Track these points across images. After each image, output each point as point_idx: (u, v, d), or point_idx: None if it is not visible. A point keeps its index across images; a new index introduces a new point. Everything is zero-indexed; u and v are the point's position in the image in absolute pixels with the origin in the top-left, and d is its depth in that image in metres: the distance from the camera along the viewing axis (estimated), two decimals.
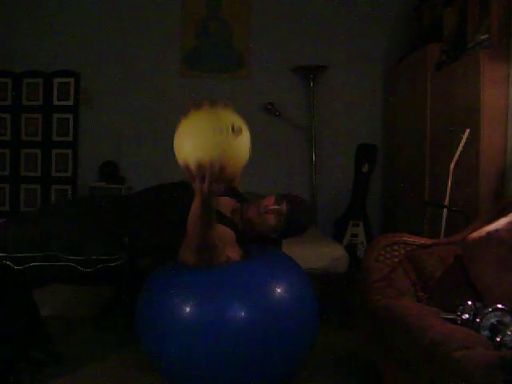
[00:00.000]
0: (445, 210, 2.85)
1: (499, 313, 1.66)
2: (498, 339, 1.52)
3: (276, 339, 1.83)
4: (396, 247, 2.24)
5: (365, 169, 4.10)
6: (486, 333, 1.64)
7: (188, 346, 1.78)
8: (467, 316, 1.73)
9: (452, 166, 2.83)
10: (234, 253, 1.94)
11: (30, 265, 1.83)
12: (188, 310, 1.78)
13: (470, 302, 1.77)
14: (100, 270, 1.87)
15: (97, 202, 2.11)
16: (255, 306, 1.81)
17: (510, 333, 1.51)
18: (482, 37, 2.89)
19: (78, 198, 4.03)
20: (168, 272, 1.94)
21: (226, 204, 2.09)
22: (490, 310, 1.67)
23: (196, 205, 1.74)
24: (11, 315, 2.03)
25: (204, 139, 1.56)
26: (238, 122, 1.63)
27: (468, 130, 2.78)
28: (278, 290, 1.87)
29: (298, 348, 1.95)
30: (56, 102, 4.28)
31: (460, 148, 2.80)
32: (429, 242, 2.30)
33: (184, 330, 1.78)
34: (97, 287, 2.45)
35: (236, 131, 1.57)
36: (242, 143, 1.64)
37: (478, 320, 1.67)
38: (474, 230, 2.13)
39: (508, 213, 2.08)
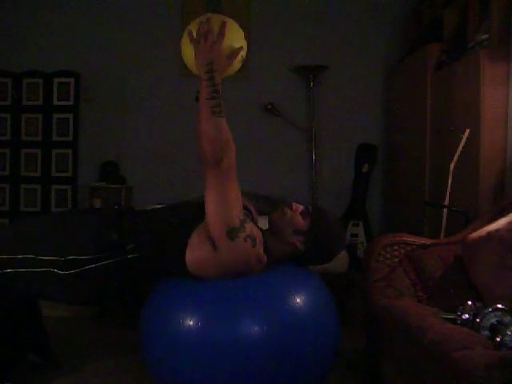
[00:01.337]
0: (445, 210, 2.85)
1: (499, 313, 1.66)
2: (498, 339, 1.52)
3: (295, 357, 1.61)
4: (396, 247, 2.24)
5: (365, 169, 4.10)
6: (486, 333, 1.64)
7: (196, 366, 1.58)
8: (467, 316, 1.73)
9: (452, 166, 2.83)
10: (264, 256, 1.71)
11: (5, 271, 1.67)
12: (195, 325, 1.57)
13: (469, 302, 1.77)
14: (83, 276, 1.65)
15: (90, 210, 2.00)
16: (271, 320, 1.59)
17: (509, 333, 1.51)
18: (482, 37, 2.89)
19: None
20: (174, 284, 1.74)
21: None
22: (489, 309, 1.67)
23: (202, 86, 1.67)
24: (11, 319, 2.01)
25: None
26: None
27: (468, 130, 2.78)
28: (297, 302, 1.64)
29: (320, 365, 1.73)
30: (56, 102, 4.27)
31: (460, 148, 2.80)
32: (429, 242, 2.30)
33: (191, 347, 1.58)
34: (87, 304, 2.03)
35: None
36: (237, 27, 1.79)
37: (477, 320, 1.67)
38: (474, 230, 2.13)
39: (508, 213, 2.08)
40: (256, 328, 1.56)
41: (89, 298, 1.81)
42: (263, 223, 1.84)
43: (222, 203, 1.58)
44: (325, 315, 1.74)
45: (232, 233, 1.58)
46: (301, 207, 1.81)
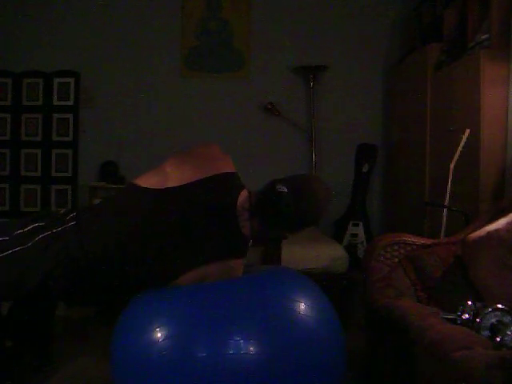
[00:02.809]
0: (445, 210, 2.85)
1: (499, 313, 1.66)
2: (498, 339, 1.52)
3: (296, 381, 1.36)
4: (396, 247, 2.24)
5: (365, 169, 4.09)
6: (486, 333, 1.64)
7: None
8: (467, 316, 1.73)
9: (452, 166, 2.83)
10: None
11: None
12: (177, 345, 1.32)
13: (470, 302, 1.77)
14: (28, 253, 1.54)
15: None
16: (269, 338, 1.35)
17: (509, 333, 1.51)
18: (482, 37, 2.89)
19: None
20: (151, 297, 1.50)
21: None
22: (490, 310, 1.67)
23: None
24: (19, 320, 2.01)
25: None
26: None
27: (468, 130, 2.78)
28: (297, 312, 1.41)
29: None
30: (56, 102, 4.27)
31: (460, 148, 2.80)
32: (429, 242, 2.30)
33: (172, 372, 1.32)
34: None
35: None
36: None
37: (478, 320, 1.67)
38: (474, 230, 2.13)
39: (508, 213, 2.08)
40: (248, 346, 1.31)
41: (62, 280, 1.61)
42: None
43: None
44: (330, 329, 1.51)
45: None
46: None
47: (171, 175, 1.63)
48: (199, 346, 1.32)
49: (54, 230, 1.57)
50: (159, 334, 1.35)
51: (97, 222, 1.62)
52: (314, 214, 1.70)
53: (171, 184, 1.61)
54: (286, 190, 1.63)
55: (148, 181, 1.66)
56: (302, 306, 1.45)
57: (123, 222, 1.60)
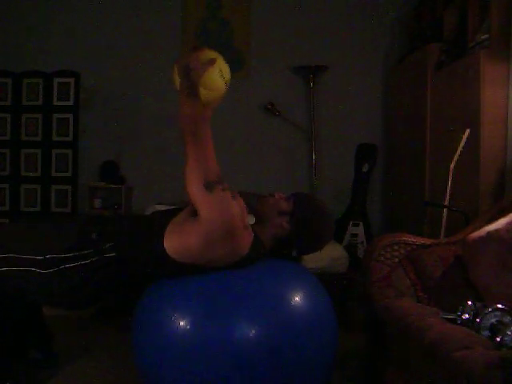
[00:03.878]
0: (445, 210, 2.85)
1: (499, 313, 1.66)
2: (498, 339, 1.52)
3: (293, 362, 1.54)
4: (396, 247, 2.24)
5: (365, 169, 4.09)
6: (486, 333, 1.64)
7: (187, 372, 1.53)
8: (467, 316, 1.73)
9: (452, 166, 2.83)
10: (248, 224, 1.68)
11: None
12: (186, 327, 1.53)
13: (470, 302, 1.77)
14: (62, 275, 1.62)
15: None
16: (268, 322, 1.54)
17: (509, 333, 1.51)
18: (482, 37, 2.89)
19: None
20: (164, 285, 1.68)
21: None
22: (490, 310, 1.67)
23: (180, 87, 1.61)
24: (10, 315, 2.01)
25: None
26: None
27: (468, 130, 2.78)
28: (295, 302, 1.60)
29: (318, 372, 1.66)
30: (56, 102, 4.27)
31: (460, 148, 2.80)
32: (429, 242, 2.30)
33: (182, 351, 1.53)
34: (70, 307, 1.90)
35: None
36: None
37: (477, 320, 1.67)
38: (474, 230, 2.13)
39: (508, 213, 2.08)
40: (251, 330, 1.50)
41: (70, 300, 1.74)
42: (252, 221, 1.84)
43: (199, 161, 1.56)
44: (324, 316, 1.68)
45: (209, 185, 1.55)
46: (283, 195, 1.84)
47: (200, 259, 1.61)
48: (211, 331, 1.52)
49: (92, 260, 1.64)
50: (181, 322, 1.54)
51: (136, 265, 1.67)
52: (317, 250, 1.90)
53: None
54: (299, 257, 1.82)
55: (181, 253, 1.61)
56: (300, 296, 1.63)
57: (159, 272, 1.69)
